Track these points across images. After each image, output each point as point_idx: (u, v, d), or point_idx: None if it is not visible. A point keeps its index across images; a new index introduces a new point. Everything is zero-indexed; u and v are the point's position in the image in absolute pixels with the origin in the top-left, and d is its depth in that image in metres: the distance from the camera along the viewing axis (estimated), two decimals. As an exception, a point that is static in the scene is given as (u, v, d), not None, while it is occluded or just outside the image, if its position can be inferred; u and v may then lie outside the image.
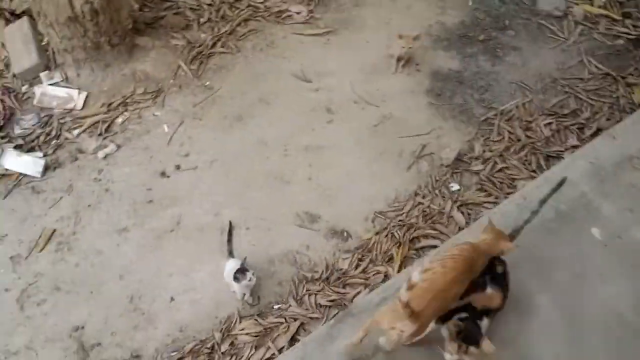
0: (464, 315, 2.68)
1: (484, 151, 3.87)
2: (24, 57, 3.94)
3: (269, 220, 3.55)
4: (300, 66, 4.26)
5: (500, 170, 3.77)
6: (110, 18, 3.69)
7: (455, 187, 3.71)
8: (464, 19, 4.62)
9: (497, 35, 4.52)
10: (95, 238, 3.44)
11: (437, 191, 3.68)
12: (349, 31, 4.49)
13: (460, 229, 3.50)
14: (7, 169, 3.58)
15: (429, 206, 3.60)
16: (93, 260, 3.37)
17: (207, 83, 4.14)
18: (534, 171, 3.74)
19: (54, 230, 3.45)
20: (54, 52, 3.98)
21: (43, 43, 4.01)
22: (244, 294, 3.17)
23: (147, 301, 3.24)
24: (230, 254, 3.34)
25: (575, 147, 3.84)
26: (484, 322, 2.68)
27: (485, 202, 3.61)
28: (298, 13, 4.51)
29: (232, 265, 3.14)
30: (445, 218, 3.55)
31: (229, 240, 3.41)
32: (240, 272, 2.98)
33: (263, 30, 4.45)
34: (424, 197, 3.65)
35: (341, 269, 3.36)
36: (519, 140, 3.91)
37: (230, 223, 3.47)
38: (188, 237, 3.48)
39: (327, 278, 3.32)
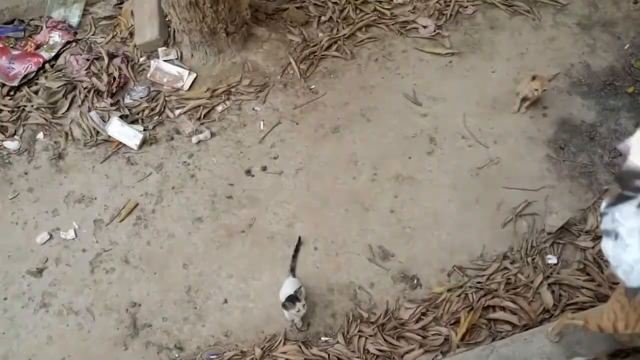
0: None
1: (597, 226, 3.37)
2: (147, 29, 4.12)
3: (339, 245, 3.42)
4: (413, 86, 4.00)
5: (612, 253, 3.28)
6: (230, 7, 3.72)
7: (552, 260, 3.29)
8: (615, 64, 4.02)
9: (651, 90, 3.89)
10: (171, 221, 3.56)
11: (529, 259, 3.29)
12: (476, 56, 4.11)
13: (545, 310, 3.12)
14: (110, 136, 3.80)
15: (515, 275, 3.23)
16: (164, 242, 3.49)
17: (313, 86, 4.04)
18: (654, 265, 3.20)
19: (137, 204, 3.62)
20: (174, 30, 4.11)
21: (167, 19, 4.14)
22: (293, 320, 3.09)
23: (202, 297, 3.30)
24: (292, 271, 3.27)
25: None
26: None
27: (583, 288, 3.16)
28: (425, 27, 4.20)
29: (289, 285, 3.08)
30: (531, 293, 3.17)
31: (294, 257, 3.34)
32: (290, 301, 2.89)
33: (383, 39, 4.23)
34: (512, 263, 3.29)
35: (400, 319, 3.16)
36: (645, 223, 3.35)
37: (299, 239, 3.40)
38: (257, 242, 3.46)
39: (383, 324, 3.13)
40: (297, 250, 3.36)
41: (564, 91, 3.93)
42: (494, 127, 3.80)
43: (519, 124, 3.81)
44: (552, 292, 3.16)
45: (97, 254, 3.48)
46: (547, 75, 3.65)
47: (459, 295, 3.19)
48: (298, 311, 2.90)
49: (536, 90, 3.63)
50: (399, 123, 3.85)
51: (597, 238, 3.32)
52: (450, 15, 4.29)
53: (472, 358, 2.90)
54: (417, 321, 3.14)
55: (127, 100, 3.99)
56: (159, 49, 4.14)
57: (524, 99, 3.78)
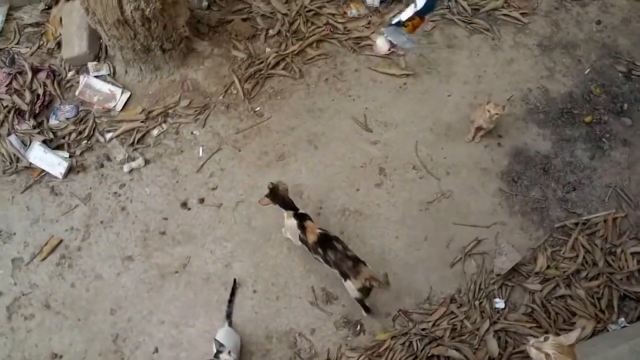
0: None
1: (547, 267, 3.32)
2: (75, 41, 3.81)
3: (280, 288, 3.29)
4: (364, 110, 3.82)
5: (561, 297, 3.23)
6: (165, 24, 3.44)
7: (500, 304, 3.22)
8: (574, 90, 3.92)
9: (608, 119, 3.80)
10: (98, 260, 3.35)
11: (477, 303, 3.22)
12: (431, 77, 3.96)
13: (490, 359, 3.04)
14: (31, 163, 3.49)
15: (462, 321, 3.16)
16: (90, 284, 3.29)
17: (258, 108, 3.82)
18: (601, 311, 3.16)
19: (61, 241, 3.39)
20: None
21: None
22: None
23: (131, 345, 3.12)
24: (228, 318, 3.10)
25: (661, 292, 3.20)
26: None
27: (529, 335, 3.09)
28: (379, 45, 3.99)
29: (223, 336, 2.90)
30: (477, 340, 3.11)
31: (230, 302, 3.17)
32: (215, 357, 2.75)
33: (335, 56, 4.02)
34: (459, 307, 3.21)
35: (342, 369, 3.05)
36: (594, 264, 3.31)
37: (235, 282, 3.24)
38: (191, 283, 3.29)
39: (323, 376, 3.02)
40: (233, 294, 3.21)
41: (520, 118, 3.82)
42: (447, 157, 3.68)
43: (473, 154, 3.69)
44: (498, 339, 3.11)
45: (15, 297, 3.25)
46: (501, 104, 3.51)
47: (403, 344, 3.09)
48: None
49: (489, 111, 3.48)
50: (348, 151, 3.69)
51: (546, 280, 3.27)
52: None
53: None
54: (358, 372, 3.05)
55: (52, 122, 3.70)
56: (89, 64, 3.85)
57: (478, 128, 3.65)
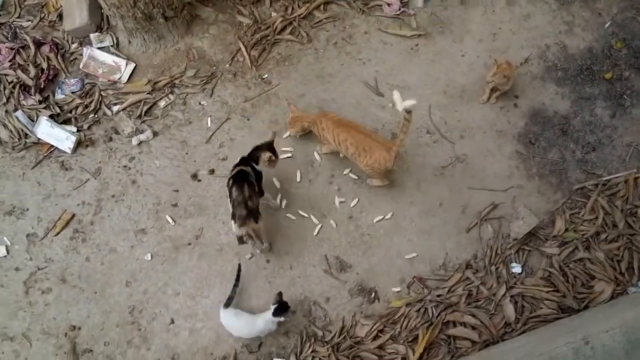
0: None
1: (566, 230, 3.25)
2: (76, 12, 3.72)
3: (293, 257, 3.28)
4: (375, 73, 3.70)
5: (579, 260, 3.18)
6: (165, -9, 3.29)
7: (517, 268, 3.18)
8: (594, 45, 3.75)
9: (630, 75, 3.65)
10: (111, 234, 3.35)
11: (493, 268, 3.18)
12: (445, 37, 3.80)
13: (506, 324, 3.02)
14: (39, 138, 3.46)
15: (477, 287, 3.12)
16: (104, 257, 3.30)
17: (266, 75, 3.72)
18: (621, 273, 3.10)
19: (74, 215, 3.38)
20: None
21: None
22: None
23: (147, 317, 3.15)
24: (229, 300, 3.05)
25: (682, 256, 3.11)
26: None
27: (547, 299, 3.06)
28: (389, 5, 3.85)
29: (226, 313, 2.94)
30: (493, 306, 3.07)
31: (235, 286, 3.10)
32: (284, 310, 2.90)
33: (344, 19, 3.87)
34: (475, 272, 3.17)
35: (356, 337, 3.07)
36: (614, 226, 3.23)
37: (240, 267, 3.16)
38: (204, 255, 3.29)
39: (338, 344, 3.04)
40: (237, 279, 3.12)
41: (538, 77, 3.68)
42: (461, 120, 3.57)
43: (488, 116, 3.58)
44: (515, 304, 3.08)
45: (31, 272, 3.28)
46: (511, 63, 3.38)
47: (418, 310, 3.08)
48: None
49: (495, 74, 3.36)
50: (359, 117, 3.58)
51: (564, 244, 3.21)
52: (418, -12, 3.92)
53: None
54: (374, 339, 3.04)
55: (58, 96, 3.64)
56: (92, 35, 3.76)
57: (493, 89, 3.52)
